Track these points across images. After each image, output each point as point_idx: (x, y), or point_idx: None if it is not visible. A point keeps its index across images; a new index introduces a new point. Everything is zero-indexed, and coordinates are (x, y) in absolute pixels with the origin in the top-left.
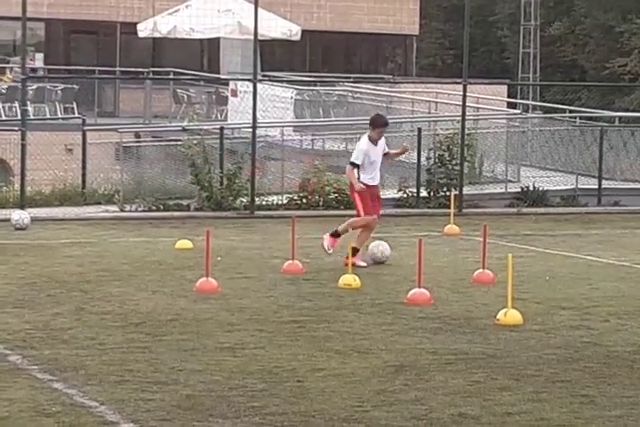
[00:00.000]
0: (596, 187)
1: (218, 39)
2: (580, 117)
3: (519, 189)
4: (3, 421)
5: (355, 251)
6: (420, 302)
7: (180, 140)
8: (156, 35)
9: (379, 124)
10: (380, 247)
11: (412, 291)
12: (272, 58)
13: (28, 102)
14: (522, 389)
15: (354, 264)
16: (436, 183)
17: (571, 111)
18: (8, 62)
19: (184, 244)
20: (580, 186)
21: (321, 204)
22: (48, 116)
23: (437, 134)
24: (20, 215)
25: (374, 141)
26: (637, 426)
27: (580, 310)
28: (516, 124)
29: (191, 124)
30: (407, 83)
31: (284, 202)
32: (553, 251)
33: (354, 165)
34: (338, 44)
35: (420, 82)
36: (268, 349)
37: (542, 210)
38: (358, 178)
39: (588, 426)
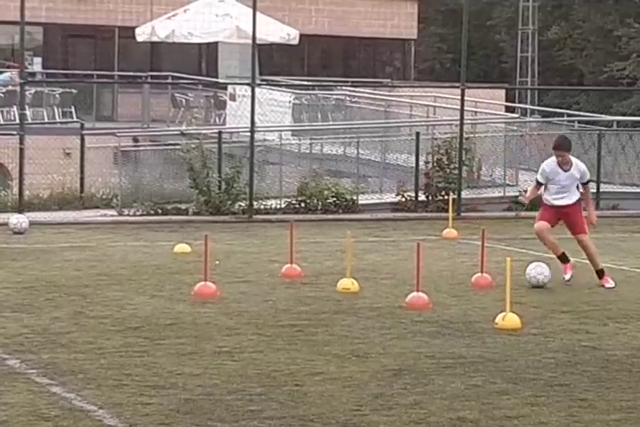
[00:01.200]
0: (594, 191)
1: (216, 43)
2: (578, 121)
3: (517, 193)
4: (1, 425)
5: (602, 272)
6: (419, 306)
7: (178, 145)
8: (155, 39)
9: (553, 147)
10: (538, 270)
11: (411, 295)
12: (270, 62)
13: (27, 106)
14: (520, 393)
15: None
16: (434, 187)
17: (569, 115)
18: (8, 67)
19: (182, 248)
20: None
21: (319, 208)
22: (46, 120)
23: (436, 138)
24: (18, 219)
25: (559, 165)
26: None
27: (578, 314)
28: (514, 128)
29: (189, 128)
30: (405, 87)
31: (283, 206)
32: (551, 255)
33: (537, 183)
34: (336, 48)
35: (418, 86)
36: (266, 353)
37: None
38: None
39: None
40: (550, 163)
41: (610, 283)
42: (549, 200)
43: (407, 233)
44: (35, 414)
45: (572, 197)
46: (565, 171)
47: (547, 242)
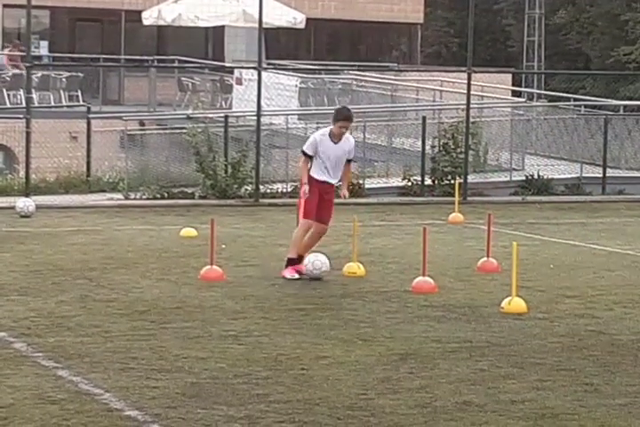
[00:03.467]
0: (601, 175)
1: (222, 27)
2: (585, 106)
3: (524, 178)
4: (8, 408)
5: (291, 261)
6: (425, 290)
7: (184, 129)
8: (161, 23)
9: (343, 118)
10: (315, 261)
11: (417, 279)
12: (277, 46)
13: (33, 90)
14: (526, 377)
15: (283, 276)
16: (440, 171)
17: (575, 100)
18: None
19: (189, 232)
20: (584, 174)
21: None
22: (53, 103)
23: (442, 123)
24: (24, 203)
25: (333, 137)
26: None
27: (584, 299)
28: (521, 112)
29: (196, 112)
30: (412, 71)
31: (289, 190)
32: (557, 239)
33: (305, 154)
34: (342, 32)
35: (424, 70)
36: (272, 336)
37: (546, 198)
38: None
39: (592, 414)
40: (323, 133)
41: (290, 274)
42: (316, 176)
43: (413, 217)
44: (41, 398)
45: (337, 175)
46: (335, 143)
47: (301, 240)
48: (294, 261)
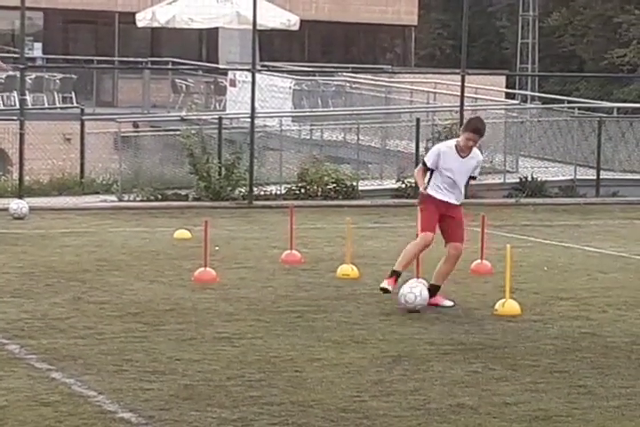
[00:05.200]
0: (595, 177)
1: (216, 29)
2: (579, 108)
3: (517, 180)
4: (1, 410)
5: (434, 288)
6: None
7: (178, 130)
8: (155, 24)
9: (471, 129)
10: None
11: (410, 281)
12: (271, 48)
13: (27, 92)
14: (520, 379)
15: (437, 304)
16: None
17: (569, 102)
18: (8, 52)
19: (182, 234)
20: (578, 176)
21: (319, 194)
22: (46, 105)
23: (436, 125)
24: (18, 205)
25: (460, 150)
26: (635, 416)
27: (578, 301)
28: (515, 114)
29: (190, 113)
30: (406, 73)
31: (283, 192)
32: (551, 241)
33: (424, 164)
34: (336, 34)
35: (418, 72)
36: (266, 339)
37: (540, 200)
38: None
39: (586, 416)
40: (449, 145)
41: (445, 302)
42: (434, 194)
43: (407, 219)
44: (34, 400)
45: (460, 194)
46: (462, 157)
47: (413, 256)
48: (397, 274)
